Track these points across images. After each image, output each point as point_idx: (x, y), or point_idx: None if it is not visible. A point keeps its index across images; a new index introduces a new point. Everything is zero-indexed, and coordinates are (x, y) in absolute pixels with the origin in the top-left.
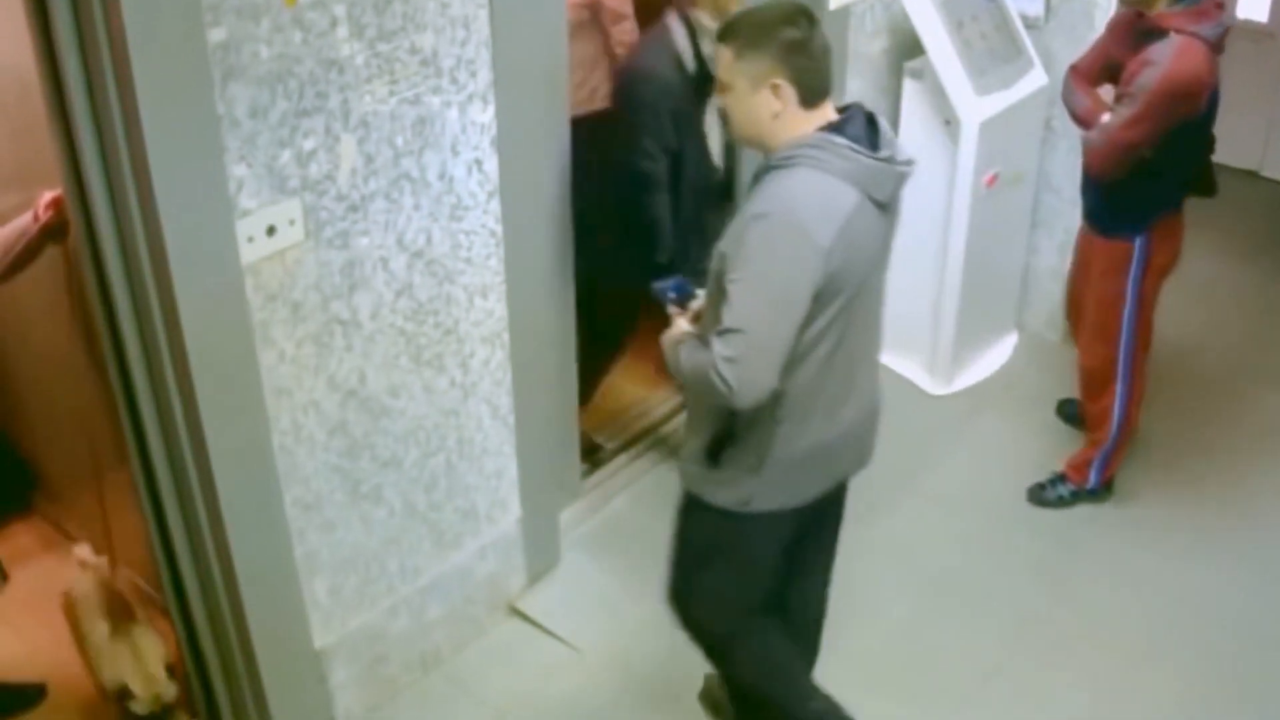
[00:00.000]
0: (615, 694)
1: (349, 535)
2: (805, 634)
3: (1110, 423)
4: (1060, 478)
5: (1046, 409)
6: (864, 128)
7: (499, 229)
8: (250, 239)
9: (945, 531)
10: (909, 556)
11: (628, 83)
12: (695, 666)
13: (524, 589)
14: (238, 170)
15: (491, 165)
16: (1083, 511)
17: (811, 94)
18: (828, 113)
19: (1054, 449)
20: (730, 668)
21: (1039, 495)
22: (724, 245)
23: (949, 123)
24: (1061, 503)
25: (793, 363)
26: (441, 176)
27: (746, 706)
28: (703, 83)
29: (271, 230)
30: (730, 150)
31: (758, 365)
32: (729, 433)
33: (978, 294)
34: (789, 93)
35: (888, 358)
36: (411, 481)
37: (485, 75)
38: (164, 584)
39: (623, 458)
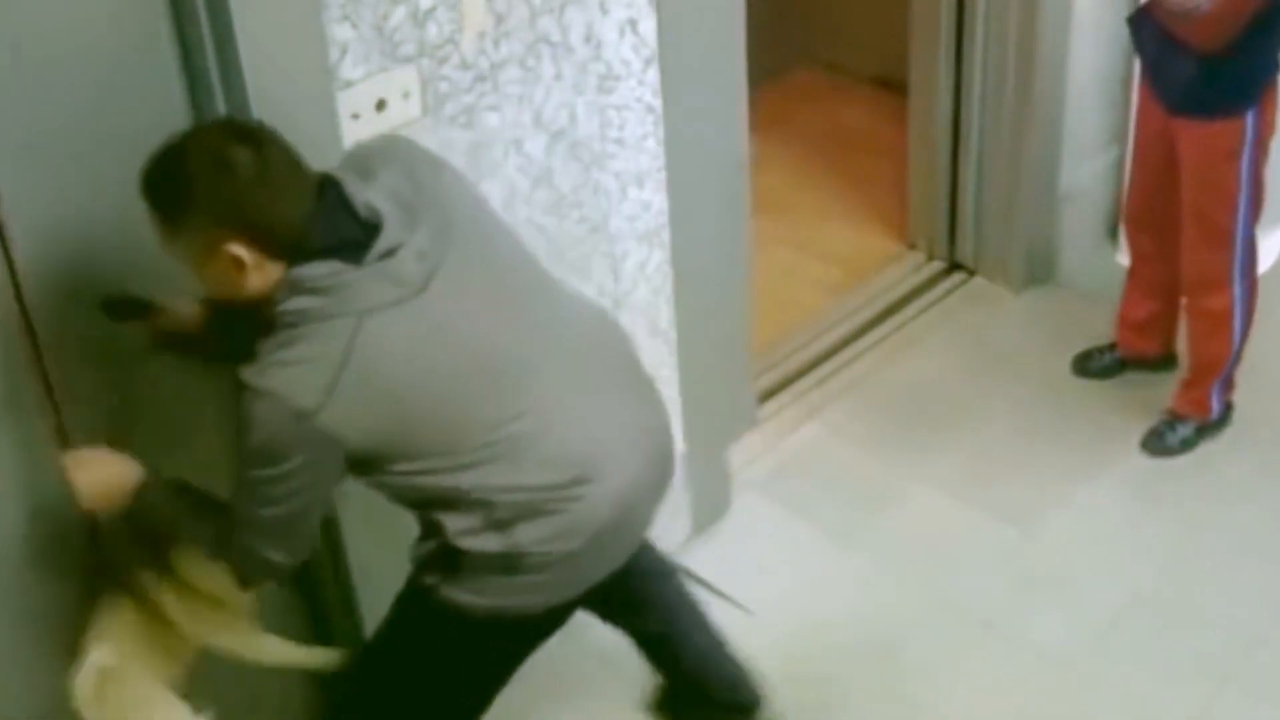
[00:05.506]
0: (796, 665)
1: None
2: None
3: (1231, 329)
4: (1175, 419)
5: None
6: (338, 213)
7: (657, 104)
8: (355, 116)
9: None
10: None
11: None
12: (893, 631)
13: (686, 540)
14: (340, 32)
15: (649, 26)
16: (1211, 449)
17: (282, 238)
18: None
19: None
20: None
21: (1158, 444)
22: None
23: None
24: (1186, 446)
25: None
26: (588, 40)
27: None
28: None
29: (381, 105)
30: None
31: (299, 544)
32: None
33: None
34: (249, 253)
35: None
36: None
37: None
38: None
39: (810, 378)
